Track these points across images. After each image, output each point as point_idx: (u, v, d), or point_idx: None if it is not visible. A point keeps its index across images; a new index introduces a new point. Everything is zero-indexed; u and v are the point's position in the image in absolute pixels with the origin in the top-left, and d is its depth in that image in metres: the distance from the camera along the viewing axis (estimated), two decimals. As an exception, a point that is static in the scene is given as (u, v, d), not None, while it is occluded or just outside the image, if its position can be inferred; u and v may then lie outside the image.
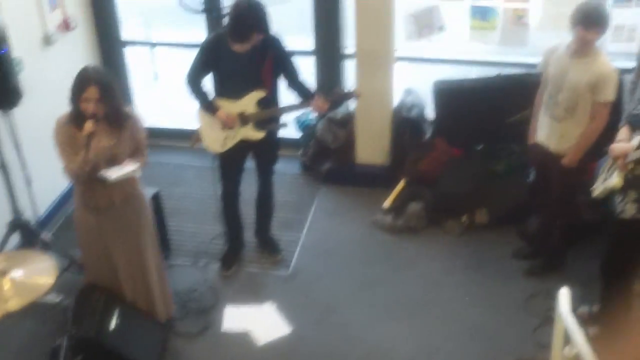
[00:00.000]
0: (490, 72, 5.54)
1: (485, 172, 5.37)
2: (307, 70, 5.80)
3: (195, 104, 4.58)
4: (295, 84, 4.52)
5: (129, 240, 4.10)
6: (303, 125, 5.98)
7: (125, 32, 6.24)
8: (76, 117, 3.78)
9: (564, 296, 3.37)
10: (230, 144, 4.58)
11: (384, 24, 5.30)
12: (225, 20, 4.34)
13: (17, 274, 3.23)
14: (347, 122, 5.78)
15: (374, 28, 5.30)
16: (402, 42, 5.59)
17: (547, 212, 4.80)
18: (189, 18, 5.72)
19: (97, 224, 4.01)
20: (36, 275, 3.25)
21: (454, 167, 5.45)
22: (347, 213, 5.58)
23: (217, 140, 4.60)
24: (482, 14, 5.37)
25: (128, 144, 3.91)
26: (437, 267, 5.00)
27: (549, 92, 4.35)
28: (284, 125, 4.74)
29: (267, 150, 4.75)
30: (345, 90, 4.57)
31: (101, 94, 3.70)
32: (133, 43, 6.38)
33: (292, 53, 4.53)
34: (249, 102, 4.45)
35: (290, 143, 5.99)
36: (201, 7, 5.43)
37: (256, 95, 4.43)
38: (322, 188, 5.86)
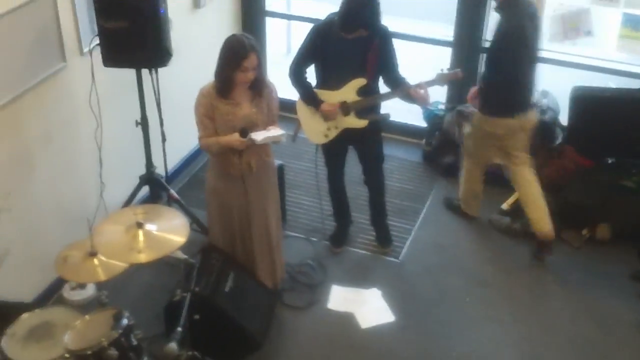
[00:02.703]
0: (634, 84, 5.32)
1: (614, 186, 5.17)
2: (445, 60, 5.77)
3: (296, 95, 4.61)
4: (391, 78, 4.47)
5: (261, 205, 4.23)
6: (430, 115, 5.93)
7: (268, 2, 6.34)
8: (223, 87, 3.90)
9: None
10: (333, 134, 4.58)
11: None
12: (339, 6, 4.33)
13: (152, 227, 3.38)
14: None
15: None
16: (545, 43, 5.43)
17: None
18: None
19: (233, 192, 4.15)
20: (169, 231, 3.40)
21: (581, 177, 5.28)
22: (464, 209, 5.52)
23: (319, 132, 4.60)
24: (634, 23, 5.15)
25: (265, 112, 4.01)
26: (550, 276, 4.89)
27: None
28: (387, 116, 4.67)
29: (371, 142, 4.71)
30: (447, 71, 4.46)
31: (259, 61, 3.83)
32: (274, 14, 6.47)
33: (393, 45, 4.46)
34: (350, 91, 4.43)
35: (416, 131, 5.97)
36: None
37: (357, 83, 4.41)
38: (442, 180, 5.81)
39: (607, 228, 5.10)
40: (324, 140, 4.63)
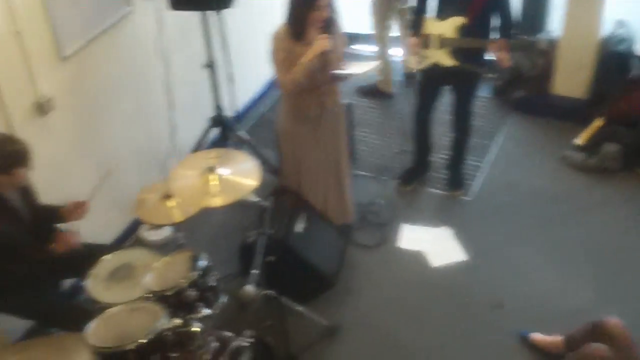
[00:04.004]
0: None
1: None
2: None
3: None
4: (500, 27, 4.33)
5: (332, 145, 4.26)
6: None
7: None
8: (297, 29, 3.86)
9: None
10: (425, 63, 4.55)
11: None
12: None
13: (225, 171, 3.42)
14: (547, 49, 5.51)
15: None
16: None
17: None
18: None
19: (307, 133, 4.18)
20: (242, 175, 3.43)
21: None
22: (536, 144, 5.40)
23: (415, 57, 4.60)
24: None
25: (337, 49, 3.97)
26: (626, 213, 4.75)
27: None
28: (482, 71, 4.59)
29: (463, 85, 4.64)
30: (529, 39, 4.34)
31: None
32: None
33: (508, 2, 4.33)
34: (450, 26, 4.35)
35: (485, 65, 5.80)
36: None
37: (456, 20, 4.31)
38: (513, 115, 5.68)
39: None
40: (416, 67, 4.63)
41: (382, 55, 5.77)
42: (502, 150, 5.38)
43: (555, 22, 5.55)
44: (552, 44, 5.48)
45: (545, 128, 5.53)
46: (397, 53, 5.90)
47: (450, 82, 4.67)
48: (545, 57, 5.53)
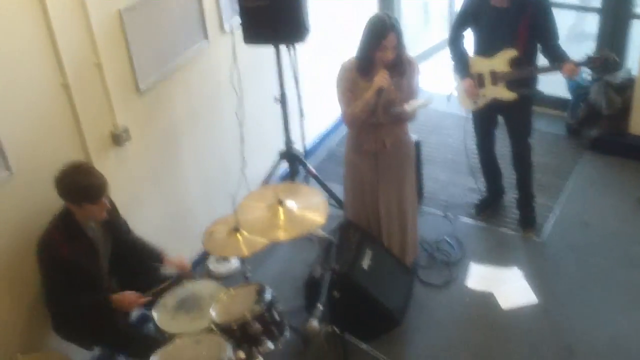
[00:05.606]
0: None
1: None
2: (590, 29, 5.49)
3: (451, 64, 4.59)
4: (549, 48, 4.26)
5: (394, 182, 4.21)
6: (575, 86, 5.65)
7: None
8: (363, 65, 3.88)
9: None
10: (481, 103, 4.52)
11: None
12: None
13: (293, 206, 3.43)
14: (625, 87, 5.37)
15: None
16: None
17: None
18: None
19: (366, 167, 4.17)
20: (309, 210, 3.43)
21: None
22: (611, 185, 5.25)
23: (468, 98, 4.56)
24: None
25: (405, 90, 3.96)
26: None
27: None
28: (536, 92, 4.51)
29: (518, 115, 4.56)
30: (604, 56, 4.21)
31: (398, 41, 3.79)
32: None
33: (552, 15, 4.23)
34: (501, 61, 4.31)
35: (559, 102, 5.71)
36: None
37: (508, 53, 4.27)
38: (587, 154, 5.54)
39: None
40: (472, 107, 4.60)
41: None
42: (576, 190, 5.24)
43: (634, 60, 5.43)
44: (630, 81, 5.35)
45: (621, 168, 5.37)
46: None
47: (502, 112, 4.59)
48: (622, 95, 5.39)
